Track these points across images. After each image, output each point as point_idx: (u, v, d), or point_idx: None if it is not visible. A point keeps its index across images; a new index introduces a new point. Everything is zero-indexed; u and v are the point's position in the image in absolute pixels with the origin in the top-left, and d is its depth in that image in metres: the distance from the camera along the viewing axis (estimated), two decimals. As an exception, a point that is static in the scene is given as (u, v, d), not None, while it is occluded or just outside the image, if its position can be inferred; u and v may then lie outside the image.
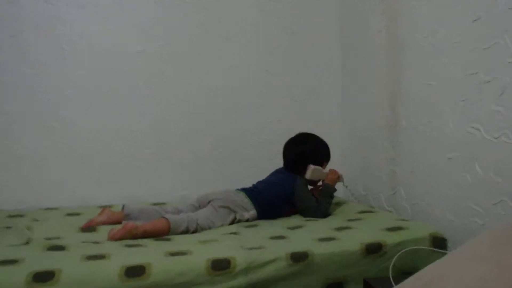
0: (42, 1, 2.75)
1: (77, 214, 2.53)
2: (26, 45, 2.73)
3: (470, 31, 2.14)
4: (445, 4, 2.29)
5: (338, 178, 2.58)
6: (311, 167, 2.53)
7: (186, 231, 2.18)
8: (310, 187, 2.62)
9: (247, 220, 2.41)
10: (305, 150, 2.59)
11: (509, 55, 1.96)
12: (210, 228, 2.26)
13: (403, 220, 2.28)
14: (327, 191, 2.50)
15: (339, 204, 2.66)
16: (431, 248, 2.02)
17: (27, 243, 1.92)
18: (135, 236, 2.06)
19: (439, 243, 2.06)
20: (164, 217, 2.17)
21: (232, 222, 2.36)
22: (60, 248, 1.85)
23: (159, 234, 2.12)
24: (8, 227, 2.19)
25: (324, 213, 2.43)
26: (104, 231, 2.18)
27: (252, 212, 2.42)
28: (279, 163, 2.66)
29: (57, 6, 2.77)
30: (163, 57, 2.94)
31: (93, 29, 2.83)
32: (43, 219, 2.40)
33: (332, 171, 2.58)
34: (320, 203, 2.46)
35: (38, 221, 2.36)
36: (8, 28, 2.71)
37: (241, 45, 3.08)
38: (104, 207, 2.47)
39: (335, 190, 2.54)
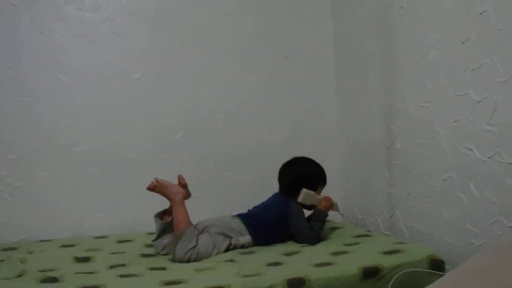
0: (39, 33, 2.78)
1: (72, 245, 2.50)
2: (23, 76, 2.75)
3: (460, 52, 2.16)
4: (436, 26, 2.32)
5: (332, 206, 2.56)
6: (304, 191, 2.52)
7: (188, 257, 2.19)
8: (308, 211, 2.60)
9: (243, 246, 2.39)
10: (300, 173, 2.58)
11: (498, 75, 1.98)
12: (207, 256, 2.25)
13: (401, 243, 2.26)
14: (318, 217, 2.47)
15: (335, 228, 2.63)
16: (429, 271, 2.00)
17: (20, 275, 1.91)
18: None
19: (437, 265, 2.04)
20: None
21: (228, 248, 2.34)
22: (54, 280, 1.83)
23: (180, 222, 2.29)
24: (1, 260, 2.17)
25: (314, 240, 2.41)
26: (99, 260, 2.17)
27: (247, 237, 2.40)
28: (276, 186, 2.65)
29: (53, 38, 2.80)
30: (161, 84, 2.96)
31: (90, 59, 2.85)
32: (37, 251, 2.37)
33: (326, 198, 2.55)
34: (311, 228, 2.44)
35: (32, 253, 2.34)
36: (6, 59, 2.73)
37: (240, 68, 3.10)
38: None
39: (327, 215, 2.51)
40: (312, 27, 3.25)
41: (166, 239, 2.36)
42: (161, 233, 2.39)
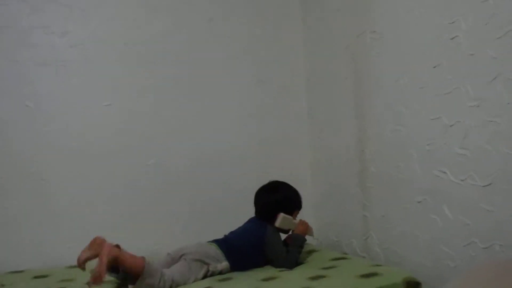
0: (6, 59, 2.71)
1: (45, 276, 2.43)
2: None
3: (431, 77, 2.21)
4: (406, 51, 2.36)
5: (307, 229, 2.57)
6: (281, 215, 2.52)
7: (162, 286, 2.14)
8: (283, 235, 2.60)
9: (220, 272, 2.36)
10: (276, 198, 2.58)
11: (470, 100, 2.02)
12: (185, 283, 2.22)
13: (377, 265, 2.28)
14: (296, 242, 2.48)
15: (312, 252, 2.63)
16: (407, 294, 2.02)
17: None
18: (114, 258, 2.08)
19: (414, 288, 2.05)
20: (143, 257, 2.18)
21: (205, 275, 2.31)
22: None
23: (134, 267, 2.12)
24: (-28, 294, 2.10)
25: (292, 264, 2.41)
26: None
27: (225, 263, 2.38)
28: (252, 212, 2.64)
29: (20, 63, 2.74)
30: (132, 112, 2.93)
31: (58, 85, 2.79)
32: (9, 284, 2.29)
33: (302, 222, 2.56)
34: (289, 253, 2.44)
35: (3, 286, 2.26)
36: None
37: (212, 96, 3.09)
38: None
39: (305, 240, 2.53)
40: (284, 51, 3.28)
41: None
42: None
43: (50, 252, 2.73)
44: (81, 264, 2.12)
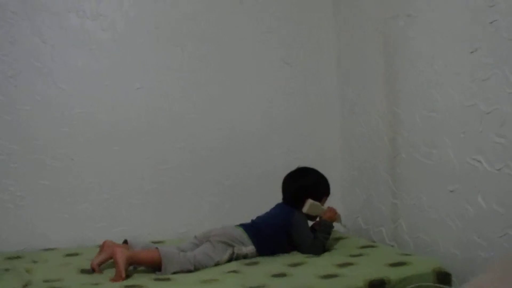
0: (39, 41, 2.75)
1: (76, 254, 2.48)
2: (24, 84, 2.72)
3: (468, 62, 2.14)
4: (442, 35, 2.30)
5: (335, 216, 2.54)
6: (309, 201, 2.50)
7: (183, 269, 2.16)
8: (310, 222, 2.58)
9: (246, 256, 2.37)
10: (305, 183, 2.57)
11: (509, 86, 1.96)
12: (208, 263, 2.25)
13: (406, 254, 2.26)
14: (324, 228, 2.46)
15: (340, 238, 2.62)
16: (436, 285, 1.99)
17: (25, 286, 1.89)
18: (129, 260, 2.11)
19: (444, 278, 2.04)
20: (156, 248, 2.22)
21: (231, 257, 2.33)
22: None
23: (151, 260, 2.17)
24: (7, 270, 2.14)
25: (319, 250, 2.40)
26: (104, 271, 2.17)
27: (251, 247, 2.39)
28: (280, 197, 2.62)
29: (53, 46, 2.77)
30: (163, 93, 2.94)
31: (90, 67, 2.82)
32: (42, 261, 2.35)
33: (331, 209, 2.54)
34: (316, 239, 2.43)
35: (36, 262, 2.32)
36: (7, 68, 2.70)
37: (241, 77, 3.08)
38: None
39: (333, 227, 2.51)
40: (314, 34, 3.22)
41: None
42: None
43: (80, 231, 2.77)
44: (96, 268, 2.19)
